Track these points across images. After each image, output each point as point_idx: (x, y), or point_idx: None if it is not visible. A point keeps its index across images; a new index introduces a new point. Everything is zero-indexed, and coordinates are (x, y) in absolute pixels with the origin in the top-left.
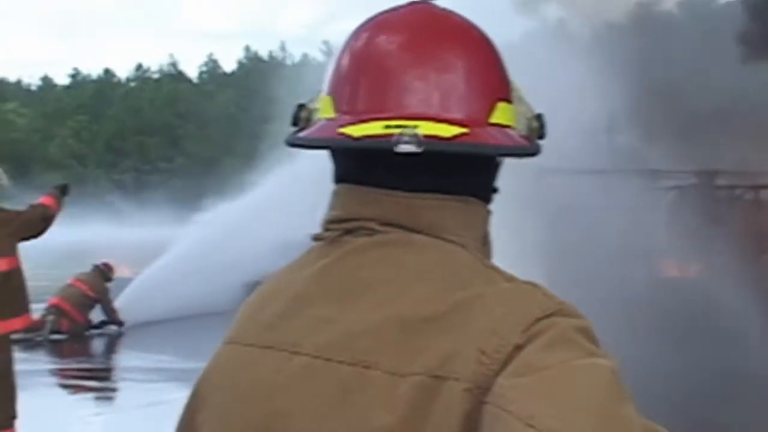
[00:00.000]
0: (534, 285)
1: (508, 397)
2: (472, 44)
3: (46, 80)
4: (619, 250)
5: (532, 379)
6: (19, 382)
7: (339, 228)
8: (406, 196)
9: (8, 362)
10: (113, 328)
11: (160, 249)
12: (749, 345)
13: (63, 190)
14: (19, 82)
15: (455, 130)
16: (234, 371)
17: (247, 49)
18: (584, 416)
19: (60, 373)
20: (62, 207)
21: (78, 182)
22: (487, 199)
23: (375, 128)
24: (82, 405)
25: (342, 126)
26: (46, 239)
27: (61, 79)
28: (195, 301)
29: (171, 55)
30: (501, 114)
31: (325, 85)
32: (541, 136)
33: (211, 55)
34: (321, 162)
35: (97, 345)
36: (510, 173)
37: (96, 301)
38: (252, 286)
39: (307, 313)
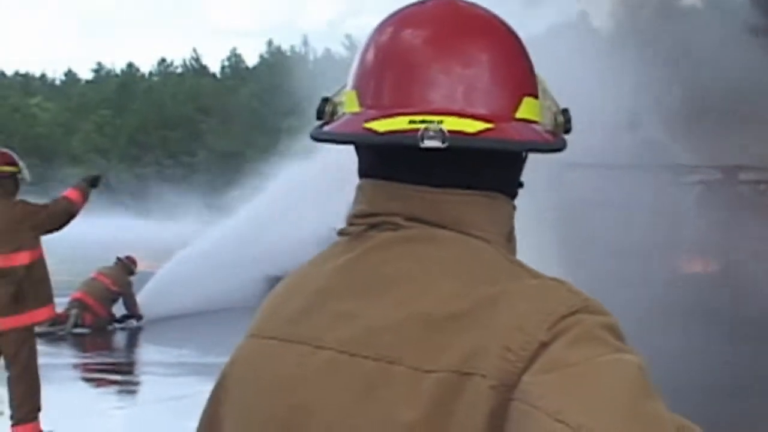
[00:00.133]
0: (560, 282)
1: (535, 393)
2: (498, 38)
3: (70, 75)
4: (643, 245)
5: (558, 375)
6: (43, 375)
7: (364, 223)
8: (430, 191)
9: (32, 355)
10: (134, 322)
11: (182, 243)
12: None
13: (93, 182)
14: (43, 77)
15: (480, 126)
16: (257, 364)
17: (270, 43)
18: (613, 411)
19: (82, 366)
20: (88, 200)
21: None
22: (512, 195)
23: (400, 123)
24: (104, 398)
25: (367, 121)
26: (69, 233)
27: (85, 73)
28: (216, 295)
29: (194, 50)
30: (527, 109)
31: (350, 79)
32: (567, 131)
33: (233, 49)
34: (343, 157)
35: (120, 339)
36: (532, 168)
37: (119, 294)
38: (273, 281)
39: (331, 308)
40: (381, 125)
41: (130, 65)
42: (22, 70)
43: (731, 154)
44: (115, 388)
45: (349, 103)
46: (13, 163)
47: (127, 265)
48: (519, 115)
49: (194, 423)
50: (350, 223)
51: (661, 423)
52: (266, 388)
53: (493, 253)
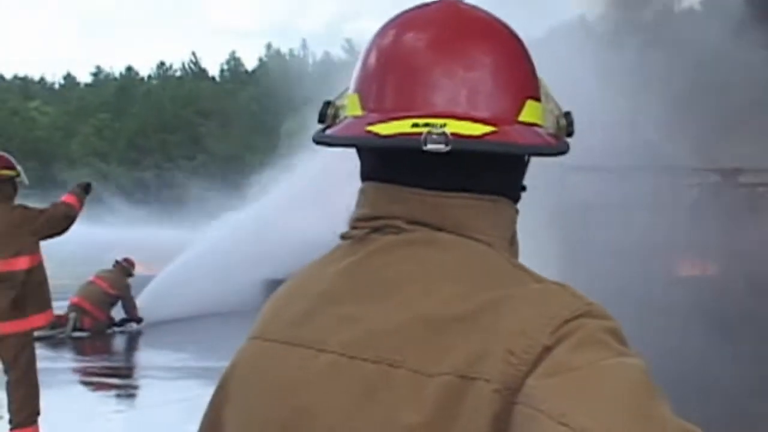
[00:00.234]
0: (563, 286)
1: (539, 397)
2: (501, 42)
3: (69, 78)
4: (641, 248)
5: (562, 378)
6: (42, 379)
7: (366, 226)
8: (433, 194)
9: (31, 359)
10: (134, 325)
11: (182, 247)
12: None
13: (86, 189)
14: (42, 80)
15: (483, 129)
16: (259, 367)
17: (269, 46)
18: (617, 414)
19: (82, 370)
20: (83, 205)
21: (100, 180)
22: (515, 198)
23: (403, 126)
24: (104, 402)
25: (369, 124)
26: (68, 237)
27: (84, 77)
28: (216, 299)
29: (193, 53)
30: (529, 112)
31: (352, 83)
32: (570, 134)
33: (233, 53)
34: (342, 160)
35: (119, 342)
36: (531, 171)
37: (117, 298)
38: (272, 285)
39: (333, 311)
40: (384, 128)
41: (129, 69)
42: (21, 74)
43: (730, 156)
44: (114, 391)
45: (351, 107)
46: (12, 167)
47: (125, 268)
48: (522, 118)
49: (194, 426)
50: (353, 227)
51: (666, 426)
52: (268, 390)
53: (496, 256)
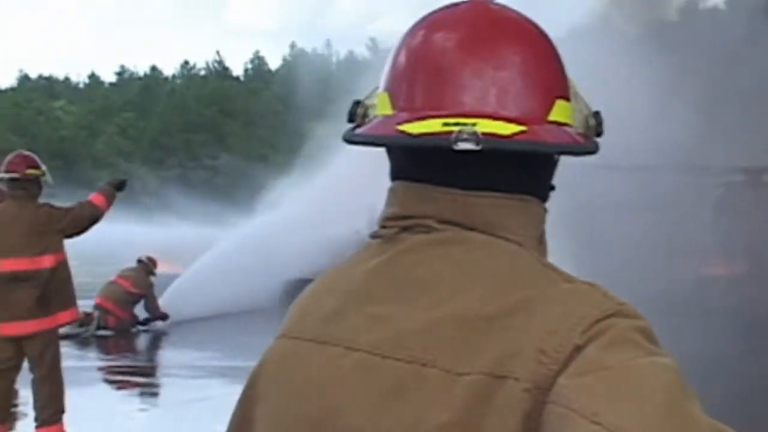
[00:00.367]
0: (594, 285)
1: (571, 396)
2: (530, 41)
3: (93, 78)
4: (665, 247)
5: (594, 377)
6: (67, 377)
7: (396, 225)
8: (463, 194)
9: (56, 357)
10: (159, 324)
11: (205, 246)
12: None
13: (119, 187)
14: (66, 80)
15: (514, 128)
16: (289, 365)
17: (293, 46)
18: (650, 413)
19: (106, 368)
20: (112, 204)
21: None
22: (543, 198)
23: (433, 126)
24: (127, 400)
25: (400, 123)
26: (92, 235)
27: (108, 76)
28: (239, 298)
29: (217, 53)
30: (559, 111)
31: (382, 82)
32: (599, 134)
33: (256, 52)
34: (364, 161)
35: (142, 341)
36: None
37: (139, 296)
38: (296, 284)
39: (364, 310)
40: (414, 127)
41: (153, 68)
42: (46, 73)
43: (755, 156)
44: (138, 390)
45: (381, 106)
46: (37, 166)
47: (147, 266)
48: (551, 117)
49: (218, 425)
50: (382, 226)
51: (699, 425)
52: (297, 388)
53: (526, 256)
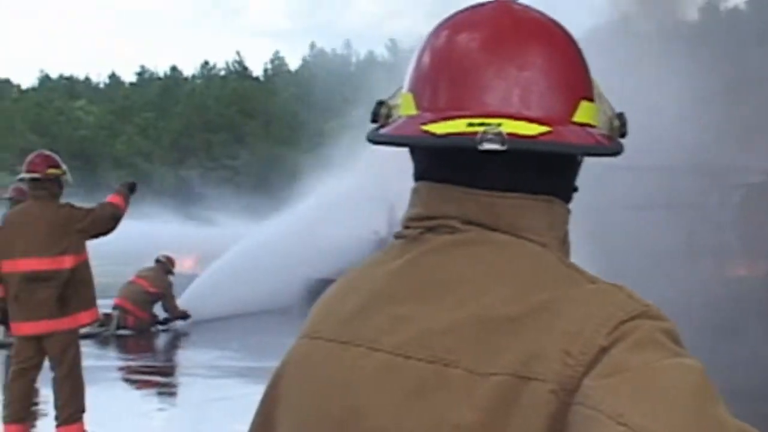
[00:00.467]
0: (618, 287)
1: (596, 397)
2: (555, 41)
3: (114, 78)
4: (688, 248)
5: (620, 378)
6: (87, 376)
7: (420, 226)
8: (488, 194)
9: (77, 357)
10: (179, 323)
11: (225, 246)
12: None
13: (131, 188)
14: (87, 80)
15: (538, 129)
16: (311, 366)
17: (313, 46)
18: (676, 414)
19: (125, 368)
20: (129, 204)
21: (144, 179)
22: (567, 199)
23: (458, 126)
24: (146, 400)
25: (424, 123)
26: (113, 235)
27: (129, 76)
28: (259, 298)
29: (237, 53)
30: (584, 112)
31: (406, 82)
32: (623, 135)
33: (276, 52)
34: (384, 162)
35: (162, 341)
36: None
37: (157, 295)
38: (316, 284)
39: (387, 311)
40: (439, 128)
41: (173, 68)
42: (67, 73)
43: None
44: (157, 389)
45: (405, 106)
46: (57, 166)
47: (165, 265)
48: (576, 118)
49: (236, 425)
50: (406, 226)
51: (725, 426)
52: (320, 389)
53: (550, 257)
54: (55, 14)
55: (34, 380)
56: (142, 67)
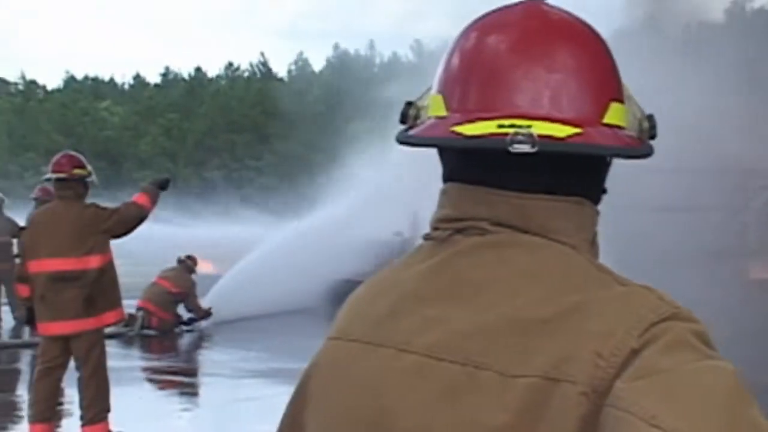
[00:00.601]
0: (649, 288)
1: (628, 399)
2: (584, 43)
3: (138, 79)
4: (710, 250)
5: (652, 380)
6: (111, 377)
7: (449, 227)
8: (518, 196)
9: (102, 357)
10: (203, 324)
11: (249, 247)
12: None
13: (162, 185)
14: (112, 81)
15: (569, 130)
16: (342, 367)
17: (336, 47)
18: (709, 416)
19: (149, 368)
20: (156, 203)
21: None
22: (596, 200)
23: (488, 127)
24: (171, 401)
25: (454, 125)
26: (138, 236)
27: (153, 77)
28: (283, 298)
29: (261, 54)
30: (613, 114)
31: (435, 84)
32: (652, 137)
33: (300, 53)
34: (409, 163)
35: (186, 341)
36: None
37: (180, 295)
38: (340, 285)
39: (417, 312)
40: (469, 129)
41: (197, 69)
42: (92, 75)
43: None
44: (181, 390)
45: (435, 107)
46: (83, 166)
47: (188, 265)
48: (606, 120)
49: (260, 426)
50: (435, 228)
51: (758, 428)
52: (350, 391)
53: (580, 259)
54: (80, 16)
55: (59, 380)
56: (167, 68)
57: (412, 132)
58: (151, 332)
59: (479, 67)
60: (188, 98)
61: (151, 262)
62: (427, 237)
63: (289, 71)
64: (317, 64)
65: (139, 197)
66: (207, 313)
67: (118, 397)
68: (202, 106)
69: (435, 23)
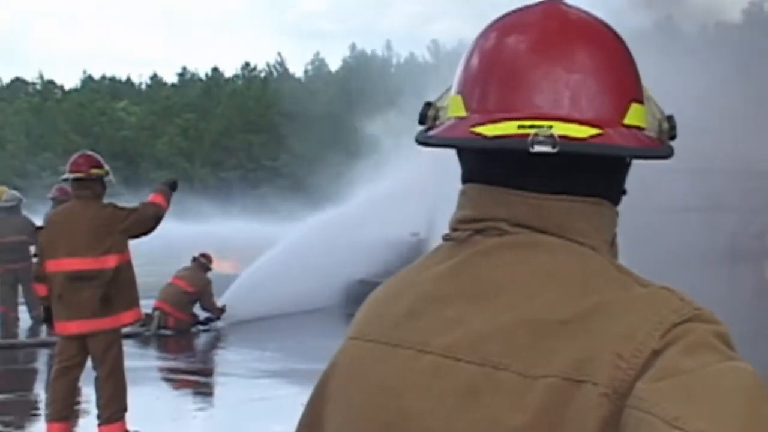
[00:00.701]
0: (670, 290)
1: (650, 401)
2: (605, 43)
3: (155, 78)
4: (728, 251)
5: (673, 382)
6: (128, 376)
7: (468, 228)
8: (537, 197)
9: (119, 356)
10: (219, 324)
11: (265, 246)
12: None
13: (172, 186)
14: (129, 80)
15: (589, 131)
16: (361, 368)
17: (353, 47)
18: (731, 417)
19: (165, 368)
20: (170, 203)
21: (185, 179)
22: (615, 201)
23: (509, 128)
24: (186, 400)
25: (473, 125)
26: (155, 236)
27: (170, 77)
28: (299, 298)
29: (278, 54)
30: (634, 115)
31: (454, 85)
32: (672, 138)
33: (317, 54)
34: (424, 163)
35: (202, 341)
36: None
37: (196, 294)
38: (356, 285)
39: (437, 313)
40: (489, 130)
41: (214, 69)
42: (109, 75)
43: None
44: (197, 389)
45: (454, 108)
46: (100, 166)
47: (203, 264)
48: (626, 121)
49: (276, 426)
50: (454, 228)
51: None
52: (370, 391)
53: (600, 260)
54: (98, 16)
55: (77, 379)
56: (184, 68)
57: (431, 132)
58: (168, 332)
59: (499, 67)
60: (205, 98)
61: (167, 262)
62: (446, 238)
63: (306, 71)
64: (334, 65)
65: (155, 197)
66: (223, 310)
67: (134, 396)
68: (219, 106)
69: (452, 23)
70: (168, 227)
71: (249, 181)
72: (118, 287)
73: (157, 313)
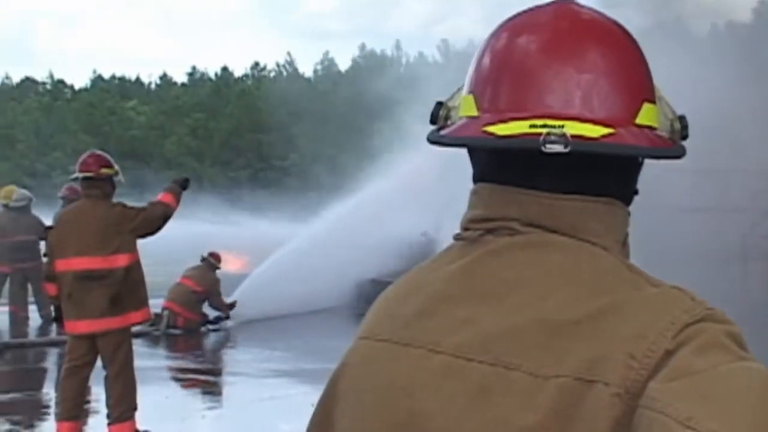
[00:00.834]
0: (682, 290)
1: (663, 401)
2: (617, 43)
3: (165, 78)
4: (738, 250)
5: (685, 382)
6: (137, 376)
7: (480, 227)
8: (549, 196)
9: (129, 355)
10: (228, 323)
11: (275, 246)
12: None
13: (183, 185)
14: (138, 80)
15: (602, 131)
16: (372, 367)
17: (363, 47)
18: (743, 417)
19: (175, 367)
20: (180, 202)
21: (194, 179)
22: (627, 201)
23: (521, 127)
24: (196, 399)
25: (485, 125)
26: (164, 235)
27: (180, 77)
28: (308, 298)
29: (288, 54)
30: (646, 114)
31: (466, 84)
32: (684, 138)
33: (326, 53)
34: (433, 162)
35: (211, 340)
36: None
37: (204, 293)
38: (365, 285)
39: (448, 313)
40: (501, 129)
41: (224, 69)
42: (119, 74)
43: None
44: (207, 389)
45: (466, 107)
46: (110, 166)
47: (211, 263)
48: (638, 120)
49: (285, 425)
50: (465, 228)
51: None
52: (381, 391)
53: (612, 260)
54: (107, 15)
55: (86, 378)
56: (193, 67)
57: (443, 132)
58: (177, 331)
59: (510, 67)
60: (214, 98)
61: (176, 262)
62: (457, 237)
63: (315, 71)
64: (343, 64)
65: (164, 196)
66: (231, 307)
67: (143, 395)
68: (228, 106)
69: (461, 23)
70: (176, 227)
71: (258, 180)
72: (128, 287)
73: (166, 312)
